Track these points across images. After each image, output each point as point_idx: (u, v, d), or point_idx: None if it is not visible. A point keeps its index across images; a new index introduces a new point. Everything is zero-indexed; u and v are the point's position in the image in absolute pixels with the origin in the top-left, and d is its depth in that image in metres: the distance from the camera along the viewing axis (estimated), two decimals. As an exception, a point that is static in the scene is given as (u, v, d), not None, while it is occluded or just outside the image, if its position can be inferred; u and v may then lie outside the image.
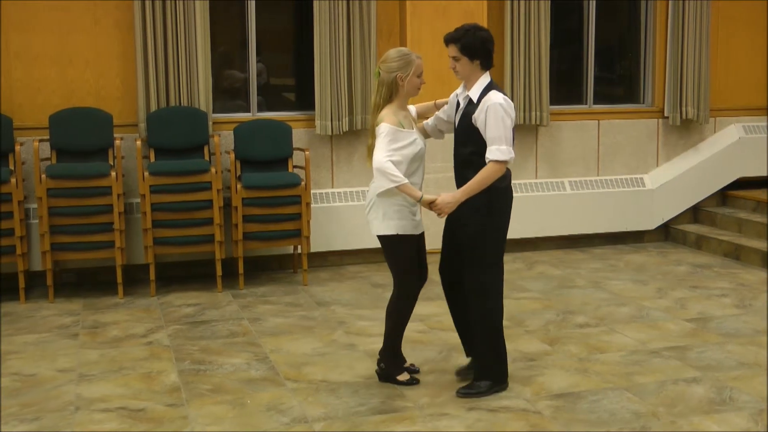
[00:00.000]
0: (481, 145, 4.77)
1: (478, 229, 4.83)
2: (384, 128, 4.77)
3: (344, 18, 7.64)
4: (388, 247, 4.96)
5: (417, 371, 5.25)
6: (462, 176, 4.90)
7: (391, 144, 4.75)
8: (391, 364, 5.13)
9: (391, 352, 5.13)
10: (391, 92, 4.88)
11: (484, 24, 7.93)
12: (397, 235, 4.87)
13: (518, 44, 8.19)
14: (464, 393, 4.95)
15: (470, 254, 4.89)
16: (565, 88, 8.94)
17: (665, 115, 8.91)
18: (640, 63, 9.07)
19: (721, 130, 9.18)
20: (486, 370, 5.00)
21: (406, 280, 4.99)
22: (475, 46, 4.81)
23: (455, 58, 4.84)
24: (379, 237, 4.94)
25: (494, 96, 4.76)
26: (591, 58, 8.79)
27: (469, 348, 5.23)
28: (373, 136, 4.84)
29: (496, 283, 4.97)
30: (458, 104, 5.01)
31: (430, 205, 4.75)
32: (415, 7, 7.80)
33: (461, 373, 5.23)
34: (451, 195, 4.74)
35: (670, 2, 8.72)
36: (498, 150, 4.69)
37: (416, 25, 7.79)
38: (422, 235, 5.07)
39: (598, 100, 8.91)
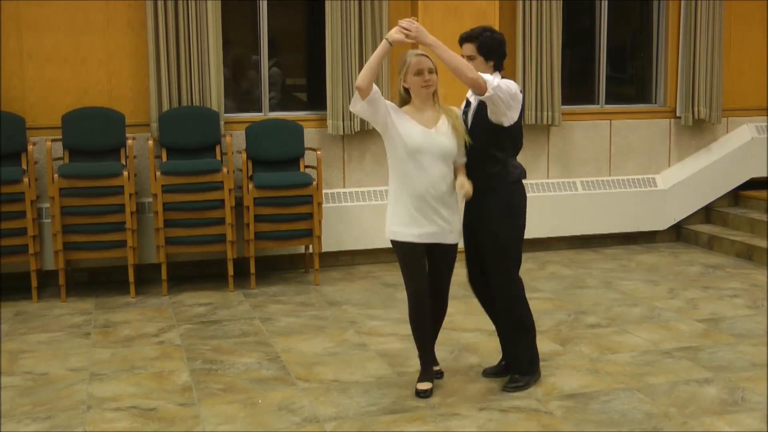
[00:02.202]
0: (499, 138, 4.86)
1: (498, 227, 4.92)
2: None
3: (356, 18, 7.64)
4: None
5: (439, 376, 5.14)
6: (483, 172, 4.89)
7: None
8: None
9: (420, 359, 5.02)
10: (402, 97, 4.87)
11: (496, 24, 7.94)
12: (392, 241, 4.89)
13: (530, 44, 8.18)
14: (512, 388, 5.02)
15: (491, 253, 4.97)
16: (577, 88, 8.93)
17: (677, 115, 8.88)
18: (653, 63, 9.04)
19: (733, 130, 9.15)
20: (520, 364, 5.10)
21: (407, 288, 4.92)
22: (492, 47, 4.91)
23: (471, 57, 4.88)
24: None
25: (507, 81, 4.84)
26: (603, 58, 8.77)
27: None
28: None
29: (514, 277, 5.06)
30: (467, 105, 5.05)
31: (406, 31, 4.62)
32: (426, 6, 7.80)
33: (488, 373, 5.28)
34: (417, 25, 4.64)
35: (682, 2, 8.69)
36: (490, 77, 4.72)
37: (428, 25, 7.69)
38: (440, 247, 4.89)
39: (610, 100, 8.89)
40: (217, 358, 5.58)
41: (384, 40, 4.65)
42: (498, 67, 4.95)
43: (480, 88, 4.66)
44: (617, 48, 9.13)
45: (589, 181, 8.68)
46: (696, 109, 8.76)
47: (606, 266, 8.02)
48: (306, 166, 7.53)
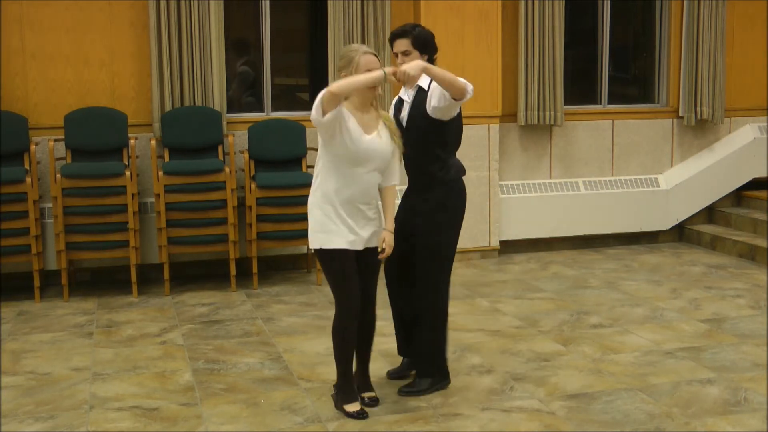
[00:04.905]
0: (440, 134, 4.80)
1: (435, 225, 4.87)
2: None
3: (358, 17, 7.64)
4: (318, 261, 4.61)
5: (374, 403, 4.79)
6: (423, 171, 4.88)
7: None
8: (339, 392, 4.74)
9: (340, 378, 4.70)
10: None
11: (499, 24, 7.96)
12: (321, 250, 4.54)
13: (532, 44, 8.18)
14: (406, 392, 4.95)
15: (425, 250, 4.90)
16: (580, 88, 8.92)
17: (680, 115, 8.88)
18: (655, 63, 9.04)
19: (736, 130, 9.14)
20: (428, 367, 5.01)
21: (342, 299, 4.62)
22: (426, 39, 4.88)
23: (405, 53, 4.83)
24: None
25: None
26: (605, 58, 8.77)
27: (406, 347, 5.19)
28: None
29: (446, 280, 5.00)
30: (397, 103, 5.01)
31: (395, 74, 4.43)
32: (429, 6, 7.80)
33: (393, 374, 5.21)
34: (415, 62, 4.54)
35: (685, 2, 8.68)
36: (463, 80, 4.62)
37: (430, 25, 7.71)
38: (368, 251, 4.65)
39: (612, 100, 8.88)
40: (220, 358, 5.58)
41: (381, 72, 4.41)
42: (431, 62, 4.86)
43: (464, 94, 4.63)
44: (620, 48, 9.12)
45: (592, 181, 8.68)
46: (699, 109, 8.75)
47: (608, 266, 8.02)
48: (308, 166, 7.52)
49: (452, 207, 4.94)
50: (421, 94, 4.86)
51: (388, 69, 4.45)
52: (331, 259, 4.55)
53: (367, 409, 4.71)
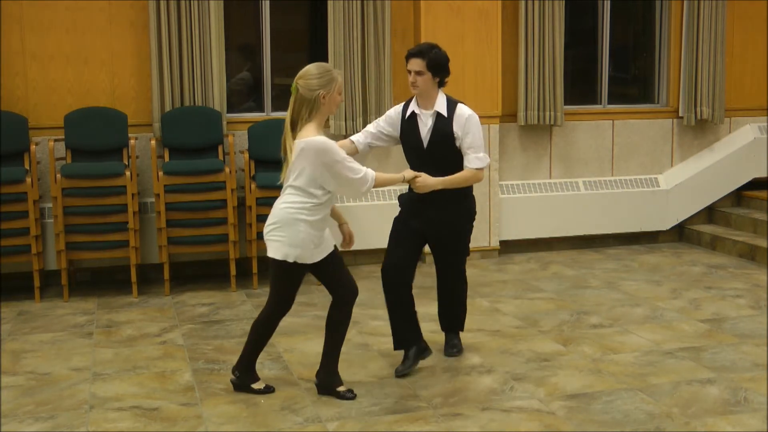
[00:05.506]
0: (457, 152, 5.17)
1: (464, 230, 5.40)
2: (337, 154, 4.65)
3: (358, 18, 7.65)
4: (276, 269, 4.82)
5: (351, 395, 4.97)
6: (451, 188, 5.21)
7: (349, 161, 4.69)
8: (246, 372, 5.00)
9: (248, 359, 5.00)
10: (310, 111, 4.70)
11: (499, 24, 7.96)
12: (294, 263, 4.75)
13: (532, 44, 8.18)
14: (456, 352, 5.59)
15: (454, 253, 5.44)
16: (580, 88, 8.92)
17: (680, 115, 8.88)
18: (655, 63, 9.04)
19: (736, 130, 9.14)
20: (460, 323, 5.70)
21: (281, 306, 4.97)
22: (440, 63, 5.12)
23: (419, 73, 5.09)
24: (273, 259, 4.79)
25: (466, 108, 5.16)
26: (605, 58, 8.77)
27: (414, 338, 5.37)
28: (290, 154, 4.80)
29: (464, 267, 5.60)
30: (410, 118, 5.22)
31: (413, 180, 4.97)
32: (429, 6, 7.80)
33: (401, 372, 5.27)
34: (432, 180, 5.01)
35: (685, 2, 8.68)
36: (477, 159, 5.14)
37: (430, 25, 7.79)
38: (333, 254, 4.94)
39: (612, 100, 8.88)
40: (220, 358, 5.58)
41: (403, 177, 4.95)
42: (442, 84, 5.18)
43: (482, 178, 5.29)
44: (620, 48, 9.12)
45: (592, 181, 8.68)
46: (699, 109, 8.75)
47: (608, 266, 8.02)
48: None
49: (473, 213, 5.41)
50: (441, 120, 5.14)
51: (408, 175, 4.98)
52: (295, 272, 4.83)
53: (368, 409, 4.72)
